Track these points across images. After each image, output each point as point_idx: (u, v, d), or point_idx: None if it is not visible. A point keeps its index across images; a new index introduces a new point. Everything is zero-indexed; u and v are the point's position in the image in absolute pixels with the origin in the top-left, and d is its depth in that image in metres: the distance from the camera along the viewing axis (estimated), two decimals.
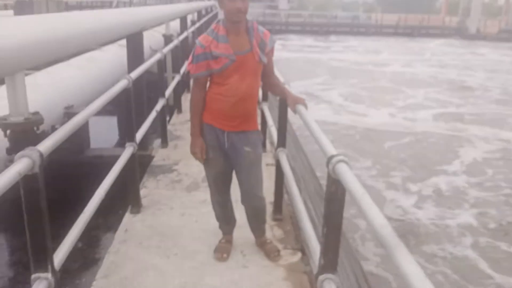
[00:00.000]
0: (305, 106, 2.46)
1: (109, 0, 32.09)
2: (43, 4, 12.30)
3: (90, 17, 3.29)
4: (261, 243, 2.94)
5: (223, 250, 2.88)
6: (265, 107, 4.68)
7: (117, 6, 29.77)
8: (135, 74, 3.31)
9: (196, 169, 4.45)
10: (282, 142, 3.24)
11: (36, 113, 2.34)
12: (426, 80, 22.74)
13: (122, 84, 3.04)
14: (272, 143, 5.11)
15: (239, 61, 2.41)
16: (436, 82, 22.25)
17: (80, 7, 25.44)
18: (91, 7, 28.12)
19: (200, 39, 2.45)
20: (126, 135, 3.39)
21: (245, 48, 2.43)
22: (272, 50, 2.57)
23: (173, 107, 6.81)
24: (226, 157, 2.62)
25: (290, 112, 2.78)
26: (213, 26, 2.48)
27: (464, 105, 17.35)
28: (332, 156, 1.65)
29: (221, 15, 2.58)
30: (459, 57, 31.61)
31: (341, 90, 19.50)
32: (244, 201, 2.79)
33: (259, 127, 2.82)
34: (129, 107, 3.21)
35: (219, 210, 2.88)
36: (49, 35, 2.65)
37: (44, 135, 2.19)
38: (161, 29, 7.84)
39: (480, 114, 16.05)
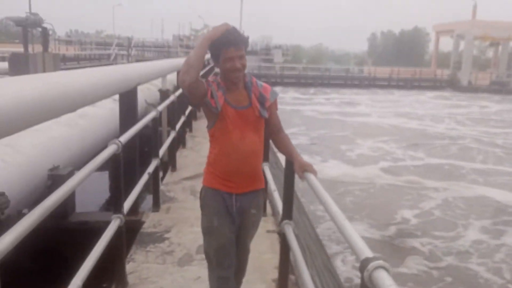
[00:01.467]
0: (315, 173, 2.27)
1: (107, 53, 32.59)
2: (39, 57, 12.24)
3: (79, 76, 3.02)
4: None
5: None
6: (266, 168, 4.37)
7: (115, 58, 30.17)
8: (125, 138, 3.00)
9: (190, 237, 4.06)
10: (288, 214, 2.90)
11: (1, 194, 2.00)
12: (390, 130, 22.96)
13: (111, 149, 2.71)
14: (272, 206, 4.77)
15: (238, 115, 2.31)
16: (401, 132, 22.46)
17: (77, 59, 25.64)
18: (89, 59, 28.43)
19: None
20: (112, 204, 3.03)
21: (245, 103, 2.34)
22: (275, 104, 2.45)
23: (167, 164, 6.48)
24: (232, 224, 2.40)
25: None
26: (214, 76, 2.43)
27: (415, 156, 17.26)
28: (368, 260, 1.30)
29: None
30: (448, 110, 31.98)
31: (303, 140, 19.54)
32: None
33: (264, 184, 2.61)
34: (117, 174, 2.87)
35: (221, 285, 2.46)
36: (30, 97, 2.35)
37: (11, 221, 1.84)
38: (158, 82, 7.66)
39: (427, 165, 15.90)
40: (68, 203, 4.42)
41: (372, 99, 36.93)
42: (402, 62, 68.64)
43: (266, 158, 4.47)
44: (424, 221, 10.17)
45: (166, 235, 4.12)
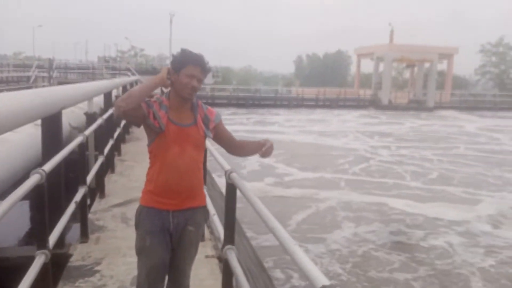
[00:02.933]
0: (271, 146, 2.53)
1: (26, 75, 30.83)
2: None
3: None
4: None
5: None
6: (204, 191, 4.22)
7: (35, 81, 28.56)
8: (49, 166, 2.75)
9: (122, 269, 3.79)
10: (230, 239, 2.80)
11: None
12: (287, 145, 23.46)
13: (34, 179, 2.46)
14: (211, 230, 4.63)
15: (180, 133, 2.36)
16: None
17: None
18: (6, 81, 26.65)
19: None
20: (36, 238, 2.74)
21: (189, 121, 2.41)
22: (220, 123, 2.55)
23: (95, 191, 6.10)
24: (167, 244, 2.37)
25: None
26: (157, 95, 2.41)
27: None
28: None
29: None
30: (360, 127, 33.52)
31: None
32: (168, 286, 2.47)
33: (205, 202, 2.62)
34: (41, 206, 2.61)
35: None
36: None
37: None
38: (83, 105, 7.27)
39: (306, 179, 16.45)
40: None
41: (295, 118, 37.91)
42: (327, 83, 71.61)
43: (204, 181, 4.34)
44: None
45: (97, 268, 3.82)
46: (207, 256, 4.09)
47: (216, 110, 2.58)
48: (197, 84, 2.34)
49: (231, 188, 2.69)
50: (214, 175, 9.85)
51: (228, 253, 2.79)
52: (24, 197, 2.53)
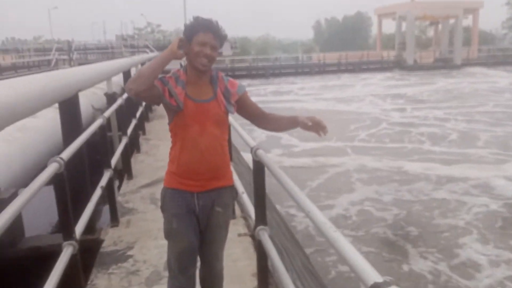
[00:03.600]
0: (323, 124, 2.19)
1: (47, 59, 31.04)
2: None
3: (6, 88, 2.60)
4: None
5: None
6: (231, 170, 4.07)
7: (56, 64, 28.74)
8: (68, 153, 2.61)
9: (155, 253, 3.71)
10: (262, 219, 2.65)
11: None
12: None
13: (51, 169, 2.33)
14: (242, 209, 4.49)
15: (199, 109, 2.19)
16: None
17: (15, 67, 24.14)
18: (28, 66, 26.88)
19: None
20: (62, 228, 2.64)
21: (207, 96, 2.22)
22: (244, 95, 2.34)
23: (122, 172, 6.04)
24: (195, 226, 2.26)
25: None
26: (174, 70, 2.25)
27: None
28: (378, 286, 1.06)
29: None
30: (380, 90, 32.55)
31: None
32: (201, 270, 2.40)
33: (233, 180, 2.44)
34: (63, 196, 2.49)
35: None
36: None
37: None
38: (103, 85, 7.16)
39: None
40: (15, 229, 3.95)
41: (317, 85, 37.14)
42: (348, 47, 69.89)
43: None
44: None
45: (129, 253, 3.75)
46: (239, 235, 3.98)
47: (238, 81, 2.38)
48: (210, 51, 2.14)
49: (258, 165, 2.52)
50: (241, 150, 9.71)
51: (261, 233, 2.65)
52: (50, 183, 2.44)
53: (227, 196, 2.34)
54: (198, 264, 2.37)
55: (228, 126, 3.90)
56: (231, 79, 2.35)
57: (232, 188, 2.40)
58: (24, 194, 2.02)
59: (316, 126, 2.20)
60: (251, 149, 2.50)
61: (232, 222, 4.08)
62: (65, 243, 2.57)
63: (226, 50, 57.30)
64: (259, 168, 2.49)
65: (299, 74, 45.87)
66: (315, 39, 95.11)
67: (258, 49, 74.09)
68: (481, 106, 23.59)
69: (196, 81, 2.22)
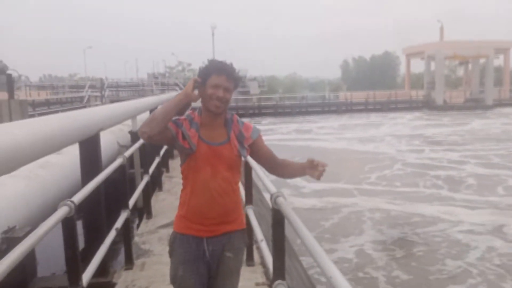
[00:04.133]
0: (324, 164, 2.16)
1: (80, 95, 32.01)
2: (4, 104, 11.65)
3: (27, 127, 2.57)
4: None
5: None
6: (250, 211, 3.92)
7: (88, 100, 29.60)
8: (80, 196, 2.52)
9: None
10: (280, 272, 2.44)
11: None
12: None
13: (61, 213, 2.23)
14: (261, 256, 4.29)
15: (212, 152, 2.17)
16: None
17: (47, 103, 24.95)
18: (61, 102, 27.76)
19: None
20: (68, 276, 2.51)
21: (221, 139, 2.21)
22: (259, 139, 2.32)
23: (142, 211, 5.94)
24: (202, 274, 2.20)
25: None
26: (189, 111, 2.25)
27: None
28: None
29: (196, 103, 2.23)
30: (405, 130, 31.72)
31: None
32: None
33: (245, 224, 2.40)
34: (71, 242, 2.37)
35: None
36: None
37: None
38: (130, 122, 7.20)
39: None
40: (26, 268, 3.86)
41: (343, 125, 36.80)
42: (375, 86, 69.76)
43: (249, 201, 4.02)
44: None
45: None
46: (257, 284, 3.76)
47: (254, 125, 2.35)
48: (223, 94, 2.14)
49: (278, 215, 2.32)
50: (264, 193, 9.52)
51: None
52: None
53: (238, 241, 2.28)
54: None
55: (247, 169, 3.77)
56: (246, 122, 2.33)
57: (244, 232, 2.34)
58: (33, 236, 1.94)
59: (314, 169, 2.17)
60: (271, 196, 2.34)
61: (250, 269, 3.94)
62: None
63: (253, 89, 58.18)
64: (279, 218, 2.31)
65: (326, 112, 45.75)
66: (342, 78, 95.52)
67: (285, 88, 74.89)
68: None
69: (210, 124, 2.21)
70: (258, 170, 2.92)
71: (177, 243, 2.22)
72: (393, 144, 25.82)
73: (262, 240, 3.18)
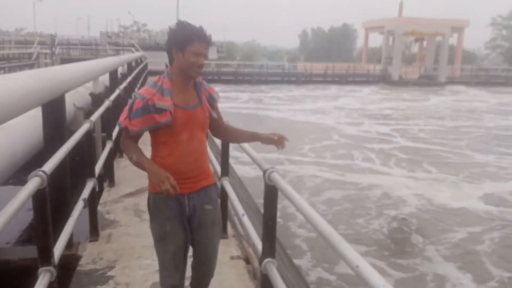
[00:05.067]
0: (285, 139, 2.42)
1: (28, 52, 30.15)
2: None
3: None
4: None
5: None
6: (227, 183, 3.76)
7: (37, 57, 27.89)
8: (51, 165, 2.26)
9: (139, 274, 3.35)
10: (270, 251, 2.35)
11: None
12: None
13: (32, 185, 1.98)
14: (237, 229, 4.19)
15: (187, 116, 2.25)
16: None
17: None
18: (7, 58, 26.02)
19: (141, 92, 2.21)
20: (39, 252, 2.27)
21: (193, 102, 2.29)
22: (217, 104, 2.47)
23: (103, 178, 5.61)
24: (185, 227, 2.34)
25: None
26: (155, 79, 2.28)
27: None
28: None
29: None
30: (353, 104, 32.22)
31: None
32: (196, 266, 2.49)
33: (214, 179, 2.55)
34: (43, 216, 2.13)
35: None
36: None
37: None
38: (88, 84, 6.74)
39: None
40: None
41: (297, 95, 36.92)
42: (333, 58, 70.31)
43: (225, 172, 3.86)
44: None
45: (110, 273, 3.38)
46: (232, 258, 3.65)
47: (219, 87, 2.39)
48: (203, 61, 2.23)
49: (272, 191, 2.20)
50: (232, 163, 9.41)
51: (268, 267, 2.33)
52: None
53: (214, 193, 2.44)
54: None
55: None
56: (210, 85, 2.44)
57: (216, 185, 2.48)
58: (4, 213, 1.70)
59: (278, 141, 2.40)
60: (264, 171, 2.19)
61: (224, 242, 3.81)
62: (42, 269, 2.21)
63: (212, 54, 56.97)
64: (272, 195, 2.18)
65: (285, 82, 45.75)
66: (300, 48, 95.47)
67: (243, 55, 73.92)
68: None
69: (182, 88, 2.27)
70: (249, 149, 2.77)
71: (159, 203, 2.29)
72: (337, 116, 26.15)
73: (243, 215, 3.04)
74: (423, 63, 54.40)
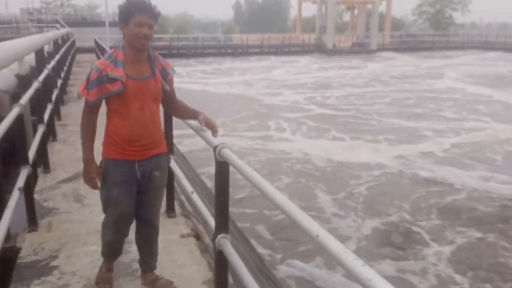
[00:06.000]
0: (216, 131, 2.52)
1: None
2: None
3: None
4: (152, 281, 2.78)
5: (105, 281, 2.78)
6: (172, 162, 3.65)
7: None
8: None
9: (86, 262, 3.21)
10: (224, 227, 2.33)
11: None
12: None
13: None
14: (185, 207, 4.12)
15: (139, 87, 2.37)
16: None
17: None
18: None
19: (96, 64, 2.38)
20: None
21: (146, 74, 2.41)
22: (172, 78, 2.59)
23: (37, 164, 5.29)
24: (132, 193, 2.50)
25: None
26: (111, 51, 2.42)
27: None
28: None
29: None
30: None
31: None
32: (140, 228, 2.69)
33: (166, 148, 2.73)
34: None
35: (110, 247, 2.73)
36: None
37: None
38: (13, 65, 6.24)
39: None
40: None
41: (250, 66, 36.82)
42: (268, 29, 70.19)
43: (171, 151, 3.74)
44: None
45: (53, 263, 3.21)
46: (182, 236, 3.59)
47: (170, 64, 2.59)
48: (148, 31, 2.31)
49: (224, 167, 2.16)
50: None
51: (222, 242, 2.31)
52: None
53: (163, 162, 2.60)
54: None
55: (167, 118, 3.55)
56: (166, 60, 2.54)
57: (166, 155, 2.65)
58: None
59: (209, 128, 2.54)
60: (214, 148, 2.13)
61: (172, 221, 3.77)
62: None
63: None
64: (224, 171, 2.14)
65: (222, 54, 45.19)
66: (235, 20, 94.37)
67: (176, 28, 71.87)
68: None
69: (135, 60, 2.38)
70: (192, 121, 2.72)
71: (110, 167, 2.44)
72: (260, 88, 26.17)
73: (193, 192, 2.98)
74: (355, 31, 55.73)
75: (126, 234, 2.68)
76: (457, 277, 6.28)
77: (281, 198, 1.61)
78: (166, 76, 2.49)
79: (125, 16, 2.30)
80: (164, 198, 3.92)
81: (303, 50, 48.75)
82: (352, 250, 1.28)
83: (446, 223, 7.99)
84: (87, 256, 3.28)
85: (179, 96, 2.72)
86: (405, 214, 8.44)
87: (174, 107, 2.70)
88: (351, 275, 1.19)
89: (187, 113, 2.69)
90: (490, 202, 9.04)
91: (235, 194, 8.60)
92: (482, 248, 7.18)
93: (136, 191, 2.51)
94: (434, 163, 11.62)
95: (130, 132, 2.39)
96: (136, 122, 2.38)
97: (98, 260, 3.15)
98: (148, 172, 2.49)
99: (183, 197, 4.24)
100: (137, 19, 2.27)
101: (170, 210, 3.90)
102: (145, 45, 2.34)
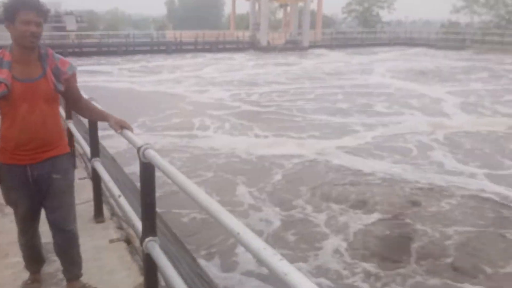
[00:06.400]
0: (131, 129, 2.46)
1: None
2: None
3: None
4: None
5: None
6: (98, 164, 3.56)
7: None
8: None
9: (8, 274, 3.04)
10: (151, 229, 2.28)
11: None
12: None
13: None
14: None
15: (27, 89, 2.25)
16: None
17: None
18: None
19: None
20: None
21: (36, 75, 2.28)
22: (74, 76, 2.46)
23: None
24: (30, 195, 2.43)
25: None
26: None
27: None
28: None
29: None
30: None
31: None
32: (54, 235, 2.58)
33: (69, 148, 2.62)
34: None
35: (26, 251, 2.71)
36: None
37: None
38: None
39: None
40: None
41: (182, 63, 36.20)
42: (202, 25, 69.70)
43: (96, 153, 3.62)
44: None
45: None
46: (112, 241, 3.48)
47: (70, 61, 2.45)
48: (36, 29, 2.20)
49: (148, 168, 2.12)
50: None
51: (150, 246, 2.27)
52: None
53: (64, 162, 2.48)
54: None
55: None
56: (62, 57, 2.41)
57: (69, 155, 2.56)
58: None
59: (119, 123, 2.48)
60: (138, 149, 2.08)
61: (101, 226, 3.64)
62: None
63: (70, 24, 52.53)
64: (149, 173, 2.09)
65: (155, 52, 44.16)
66: (168, 16, 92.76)
67: (107, 25, 69.42)
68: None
69: (23, 60, 2.26)
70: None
71: (4, 172, 2.39)
72: (188, 85, 25.57)
73: (120, 196, 2.89)
74: (288, 28, 56.72)
75: (34, 236, 2.65)
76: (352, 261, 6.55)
77: (204, 197, 1.62)
78: (60, 75, 2.36)
79: (10, 14, 2.18)
80: (92, 203, 3.82)
81: (237, 47, 48.79)
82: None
83: (342, 209, 8.41)
84: (8, 269, 3.10)
85: (101, 95, 2.61)
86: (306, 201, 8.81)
87: (80, 108, 2.60)
88: (269, 271, 1.22)
89: (95, 115, 2.64)
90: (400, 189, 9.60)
91: (168, 194, 8.45)
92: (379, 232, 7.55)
93: (35, 194, 2.44)
94: (348, 154, 12.20)
95: (18, 136, 2.30)
96: (25, 126, 2.29)
97: (20, 272, 2.99)
98: (45, 175, 2.41)
99: (112, 201, 4.12)
100: (22, 16, 2.17)
101: (98, 215, 3.79)
102: (34, 43, 2.23)
